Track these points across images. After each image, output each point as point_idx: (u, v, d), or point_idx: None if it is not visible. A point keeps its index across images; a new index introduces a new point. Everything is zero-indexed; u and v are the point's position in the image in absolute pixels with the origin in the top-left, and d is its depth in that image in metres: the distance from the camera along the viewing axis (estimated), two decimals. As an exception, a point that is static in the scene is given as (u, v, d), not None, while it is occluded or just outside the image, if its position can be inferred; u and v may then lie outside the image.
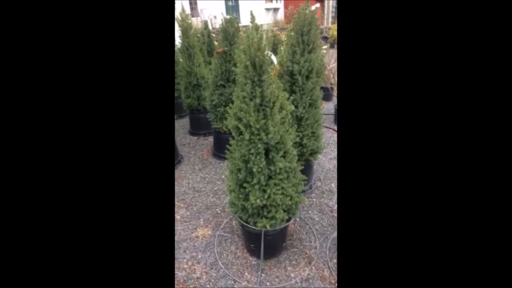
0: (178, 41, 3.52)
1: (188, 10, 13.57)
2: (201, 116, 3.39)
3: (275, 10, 13.62)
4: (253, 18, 1.33)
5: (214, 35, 5.28)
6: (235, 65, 2.48)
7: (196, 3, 13.97)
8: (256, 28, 1.27)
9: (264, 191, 1.52)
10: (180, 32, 3.32)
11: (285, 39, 2.23)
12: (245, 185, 1.54)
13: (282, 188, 1.56)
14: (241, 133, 1.45)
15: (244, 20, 12.00)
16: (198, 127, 3.58)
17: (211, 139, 3.41)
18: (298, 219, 2.08)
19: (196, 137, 3.57)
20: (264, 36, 1.28)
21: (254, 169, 1.45)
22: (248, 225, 1.62)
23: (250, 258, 1.78)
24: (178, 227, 2.05)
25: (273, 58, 1.70)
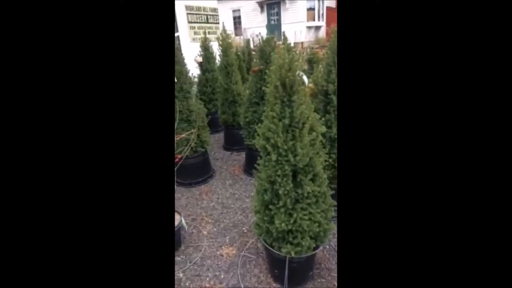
0: (218, 59, 3.67)
1: (232, 29, 14.24)
2: (235, 132, 3.44)
3: (317, 28, 13.66)
4: (285, 39, 1.32)
5: (253, 53, 5.45)
6: (270, 83, 2.50)
7: (240, 23, 14.62)
8: (288, 49, 1.25)
9: (290, 215, 1.45)
10: (220, 51, 3.46)
11: (323, 57, 2.19)
12: (270, 207, 1.49)
13: (310, 213, 1.48)
14: (268, 154, 1.41)
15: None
16: (232, 143, 3.63)
17: (243, 155, 3.43)
18: (327, 247, 1.95)
19: (229, 152, 3.62)
20: (299, 55, 1.26)
21: (280, 191, 1.39)
22: (272, 250, 1.55)
23: (274, 284, 1.69)
24: (204, 243, 2.05)
25: (305, 78, 1.67)
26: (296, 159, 1.34)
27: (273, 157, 1.36)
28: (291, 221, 1.44)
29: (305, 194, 1.42)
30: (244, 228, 2.18)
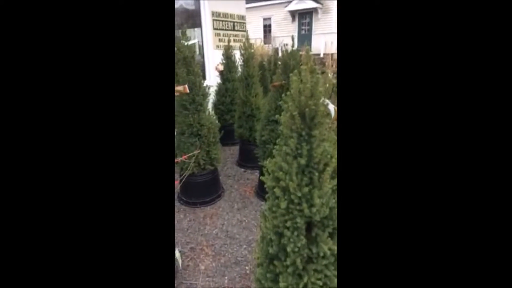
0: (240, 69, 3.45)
1: (261, 37, 14.14)
2: (251, 148, 3.17)
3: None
4: (307, 55, 1.03)
5: (279, 63, 5.20)
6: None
7: (270, 31, 14.49)
8: (312, 70, 0.96)
9: (300, 276, 1.14)
10: (242, 60, 3.24)
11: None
12: (276, 262, 1.19)
13: (326, 276, 1.16)
14: (277, 198, 1.12)
15: (316, 49, 11.84)
16: (247, 159, 3.36)
17: (257, 173, 3.14)
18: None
19: (243, 170, 3.35)
20: (325, 79, 0.99)
21: (289, 248, 1.09)
22: (274, 315, 1.24)
23: None
24: (199, 281, 1.77)
25: (331, 108, 1.37)
26: (312, 210, 1.04)
27: (283, 204, 1.07)
28: (301, 285, 1.13)
29: (321, 254, 1.11)
30: (247, 268, 1.88)
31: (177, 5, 4.43)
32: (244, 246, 2.09)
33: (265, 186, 1.19)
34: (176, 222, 2.39)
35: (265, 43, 13.36)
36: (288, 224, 1.08)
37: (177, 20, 4.45)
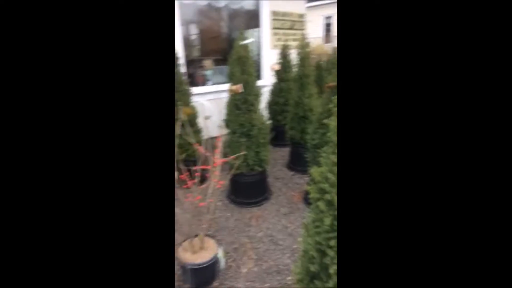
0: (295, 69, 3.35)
1: (321, 36, 13.68)
2: (302, 151, 3.03)
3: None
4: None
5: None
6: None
7: (330, 29, 13.94)
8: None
9: (343, 302, 1.01)
10: (297, 60, 3.13)
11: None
12: (316, 282, 1.08)
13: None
14: (321, 212, 1.01)
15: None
16: (297, 162, 3.24)
17: (307, 178, 3.01)
18: None
19: (292, 173, 3.25)
20: None
21: (331, 271, 0.97)
22: (313, 338, 1.13)
23: None
24: (239, 284, 1.75)
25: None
26: (362, 230, 0.90)
27: (327, 220, 0.96)
28: (343, 312, 1.00)
29: (370, 281, 0.96)
30: (288, 278, 1.79)
31: (237, 6, 4.52)
32: (288, 254, 2.00)
33: (309, 196, 1.08)
34: (223, 220, 2.42)
35: (325, 42, 12.89)
36: (332, 243, 0.96)
37: (237, 21, 4.54)
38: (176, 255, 1.76)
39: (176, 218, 1.88)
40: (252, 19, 4.66)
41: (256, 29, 4.73)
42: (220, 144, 1.77)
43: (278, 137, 3.85)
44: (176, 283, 1.76)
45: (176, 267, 1.85)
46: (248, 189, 2.62)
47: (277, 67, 3.98)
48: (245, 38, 2.48)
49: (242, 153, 2.16)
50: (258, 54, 4.80)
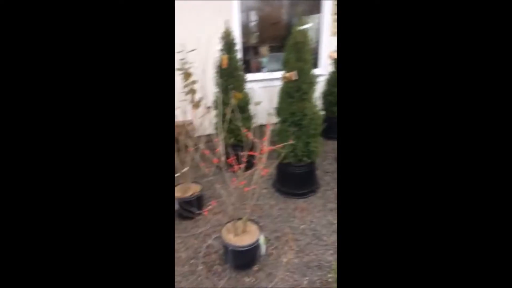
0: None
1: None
2: (356, 145, 2.86)
3: None
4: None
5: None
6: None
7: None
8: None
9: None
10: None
11: None
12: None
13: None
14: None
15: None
16: (350, 157, 3.06)
17: (360, 175, 2.82)
18: None
19: (343, 168, 3.08)
20: None
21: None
22: None
23: None
24: (279, 273, 1.75)
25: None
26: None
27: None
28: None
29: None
30: (329, 276, 1.72)
31: (298, -9, 4.36)
32: (331, 251, 1.92)
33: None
34: (267, 207, 2.43)
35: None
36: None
37: (297, 7, 4.39)
38: (219, 234, 1.83)
39: (222, 199, 1.94)
40: (313, 4, 4.45)
41: (316, 15, 4.51)
42: (268, 132, 1.75)
43: (331, 129, 3.66)
44: (217, 262, 1.84)
45: (218, 247, 1.92)
46: (294, 180, 2.57)
47: (335, 55, 3.75)
48: (304, 24, 2.37)
49: (290, 142, 2.11)
50: (317, 41, 4.59)
